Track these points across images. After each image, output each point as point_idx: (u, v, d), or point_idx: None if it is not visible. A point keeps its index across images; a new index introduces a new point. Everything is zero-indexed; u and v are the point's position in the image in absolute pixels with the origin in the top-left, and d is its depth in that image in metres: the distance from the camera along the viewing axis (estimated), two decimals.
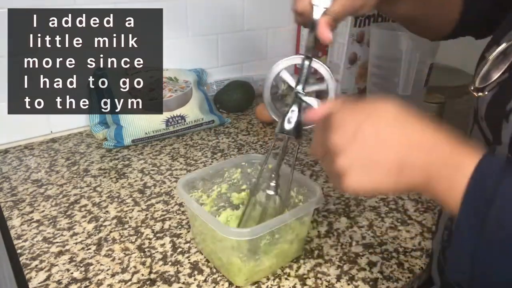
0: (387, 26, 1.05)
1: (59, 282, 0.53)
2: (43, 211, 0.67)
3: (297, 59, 0.50)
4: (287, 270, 0.56)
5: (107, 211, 0.67)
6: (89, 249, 0.59)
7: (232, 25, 1.12)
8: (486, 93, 0.40)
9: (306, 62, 0.49)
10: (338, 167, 0.37)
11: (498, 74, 0.39)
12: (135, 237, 0.62)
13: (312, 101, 0.47)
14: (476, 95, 0.41)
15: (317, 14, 0.46)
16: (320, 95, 0.50)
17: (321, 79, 0.50)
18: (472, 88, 0.42)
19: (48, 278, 0.54)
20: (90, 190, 0.73)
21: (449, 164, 0.34)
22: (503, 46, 0.39)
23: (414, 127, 0.36)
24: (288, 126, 0.48)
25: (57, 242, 0.60)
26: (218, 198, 0.65)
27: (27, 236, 0.61)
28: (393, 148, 0.35)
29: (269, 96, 0.52)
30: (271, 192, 0.55)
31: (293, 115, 0.48)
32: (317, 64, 0.49)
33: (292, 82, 0.49)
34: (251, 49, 1.19)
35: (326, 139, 0.38)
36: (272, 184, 0.54)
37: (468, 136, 0.48)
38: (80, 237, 0.62)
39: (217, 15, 1.09)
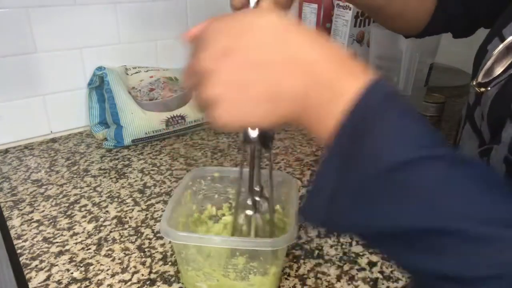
0: None
1: (59, 282, 0.53)
2: (43, 211, 0.67)
3: None
4: (287, 270, 0.56)
5: (107, 211, 0.67)
6: (89, 249, 0.59)
7: None
8: (489, 88, 0.38)
9: None
10: (208, 95, 0.31)
11: (502, 69, 0.37)
12: (135, 237, 0.62)
13: None
14: (479, 90, 0.39)
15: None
16: None
17: None
18: (474, 83, 0.39)
19: (48, 278, 0.54)
20: (90, 190, 0.73)
21: (327, 88, 0.29)
22: (509, 39, 0.37)
23: (294, 41, 0.30)
24: (253, 134, 0.41)
25: (57, 242, 0.60)
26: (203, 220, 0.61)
27: (27, 236, 0.61)
28: (267, 68, 0.30)
29: None
30: (249, 212, 0.49)
31: None
32: None
33: None
34: None
35: (195, 60, 0.32)
36: (249, 202, 0.48)
37: (459, 133, 0.47)
38: (80, 237, 0.62)
39: (217, 15, 1.09)
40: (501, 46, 0.37)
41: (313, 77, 0.29)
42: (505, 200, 0.26)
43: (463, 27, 0.60)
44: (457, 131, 0.49)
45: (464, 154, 0.30)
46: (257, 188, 0.48)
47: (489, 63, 0.38)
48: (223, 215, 0.62)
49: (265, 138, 0.43)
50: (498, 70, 0.37)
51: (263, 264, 0.50)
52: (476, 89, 0.39)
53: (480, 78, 0.38)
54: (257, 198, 0.49)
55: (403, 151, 0.27)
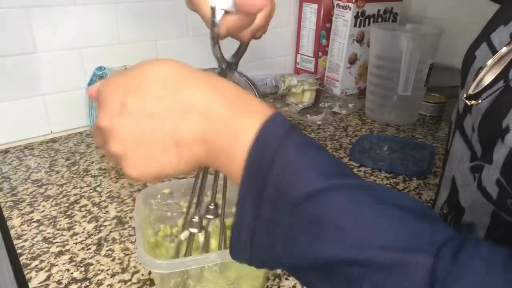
0: (387, 26, 1.05)
1: (59, 282, 0.53)
2: (43, 211, 0.67)
3: (212, 72, 0.43)
4: None
5: (107, 211, 0.67)
6: (89, 249, 0.59)
7: None
8: (480, 101, 0.37)
9: (226, 76, 0.43)
10: (112, 152, 0.32)
11: (491, 78, 0.36)
12: (135, 237, 0.62)
13: None
14: (469, 103, 0.37)
15: (218, 16, 0.41)
16: None
17: (246, 90, 0.44)
18: (465, 95, 0.38)
19: (48, 278, 0.54)
20: (90, 190, 0.73)
21: (227, 130, 0.29)
22: (503, 50, 0.35)
23: (188, 88, 0.30)
24: None
25: (57, 242, 0.60)
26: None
27: (27, 236, 0.61)
28: (164, 118, 0.30)
29: None
30: (194, 230, 0.45)
31: None
32: (235, 76, 0.44)
33: None
34: (251, 49, 1.19)
35: (96, 120, 0.33)
36: (195, 220, 0.45)
37: (450, 140, 0.45)
38: (80, 237, 0.62)
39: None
40: (493, 58, 0.36)
41: (209, 120, 0.30)
42: (408, 223, 0.26)
43: None
44: (448, 135, 0.48)
45: (369, 182, 0.30)
46: (211, 206, 0.46)
47: (480, 76, 0.37)
48: (179, 232, 0.55)
49: None
50: (488, 79, 0.36)
51: (255, 269, 0.49)
52: (467, 101, 0.38)
53: (471, 91, 0.37)
54: (207, 216, 0.46)
55: (306, 184, 0.27)
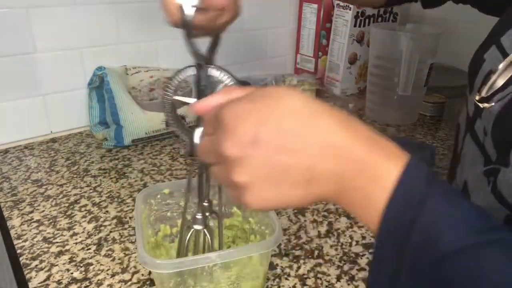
0: (387, 26, 1.05)
1: (59, 282, 0.53)
2: (43, 211, 0.67)
3: (191, 70, 0.45)
4: (287, 270, 0.56)
5: (107, 211, 0.67)
6: (89, 249, 0.59)
7: (232, 25, 1.12)
8: (493, 104, 0.36)
9: (203, 71, 0.43)
10: (235, 181, 0.30)
11: (503, 81, 0.35)
12: (135, 237, 0.62)
13: None
14: (481, 106, 0.37)
15: (188, 12, 0.42)
16: None
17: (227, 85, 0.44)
18: (477, 98, 0.37)
19: (48, 278, 0.54)
20: (90, 190, 0.73)
21: (364, 173, 0.29)
22: None
23: (324, 125, 0.29)
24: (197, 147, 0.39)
25: (57, 242, 0.60)
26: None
27: (27, 236, 0.61)
28: (299, 154, 0.29)
29: (173, 116, 0.46)
30: (199, 227, 0.46)
31: (201, 133, 0.39)
32: (214, 71, 0.44)
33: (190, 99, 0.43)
34: (251, 49, 1.19)
35: (217, 144, 0.31)
36: (198, 216, 0.46)
37: (460, 143, 0.45)
38: (80, 237, 0.62)
39: None
40: (505, 61, 0.35)
41: (346, 161, 0.29)
42: None
43: None
44: (456, 138, 0.48)
45: None
46: (205, 203, 0.47)
47: (493, 79, 0.36)
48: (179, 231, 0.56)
49: None
50: (500, 82, 0.36)
51: (255, 269, 0.50)
52: (479, 104, 0.37)
53: (484, 94, 0.37)
54: (206, 213, 0.47)
55: (455, 238, 0.26)
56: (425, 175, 0.28)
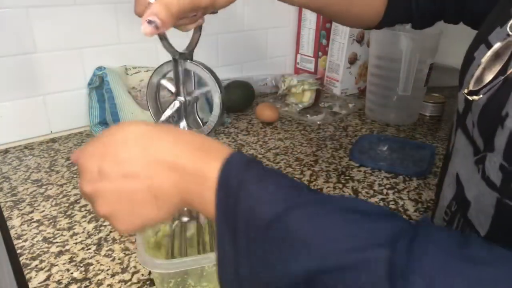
0: None
1: (59, 282, 0.53)
2: (43, 211, 0.67)
3: (168, 66, 0.47)
4: None
5: None
6: (89, 249, 0.59)
7: (232, 25, 1.12)
8: (481, 96, 0.38)
9: (180, 67, 0.45)
10: (101, 215, 0.35)
11: (492, 76, 0.37)
12: (135, 237, 0.62)
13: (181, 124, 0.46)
14: (470, 98, 0.39)
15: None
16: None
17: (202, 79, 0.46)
18: (466, 91, 0.39)
19: (48, 278, 0.54)
20: None
21: (194, 177, 0.32)
22: (496, 46, 0.37)
23: (155, 147, 0.33)
24: None
25: (57, 242, 0.60)
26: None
27: (27, 236, 0.61)
28: (138, 176, 0.33)
29: (163, 114, 0.49)
30: (185, 219, 0.47)
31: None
32: (191, 66, 0.45)
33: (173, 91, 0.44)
34: (251, 49, 1.19)
35: (79, 185, 0.37)
36: (185, 208, 0.46)
37: (453, 139, 0.46)
38: (80, 237, 0.62)
39: (217, 14, 1.09)
40: (489, 52, 0.37)
41: (178, 172, 0.33)
42: (366, 223, 0.28)
43: (421, 20, 0.61)
44: (449, 137, 0.49)
45: (326, 194, 0.32)
46: None
47: (478, 71, 0.38)
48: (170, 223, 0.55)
49: None
50: (489, 77, 0.37)
51: None
52: (468, 97, 0.39)
53: (471, 86, 0.39)
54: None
55: (268, 210, 0.29)
56: (243, 163, 0.32)
